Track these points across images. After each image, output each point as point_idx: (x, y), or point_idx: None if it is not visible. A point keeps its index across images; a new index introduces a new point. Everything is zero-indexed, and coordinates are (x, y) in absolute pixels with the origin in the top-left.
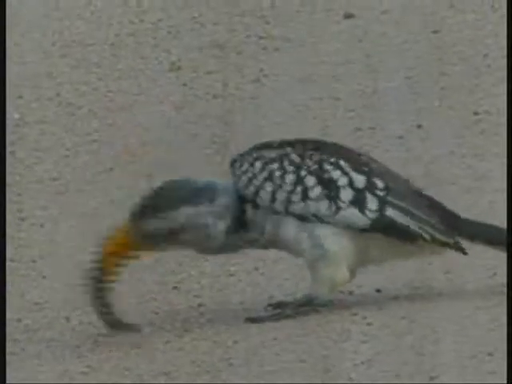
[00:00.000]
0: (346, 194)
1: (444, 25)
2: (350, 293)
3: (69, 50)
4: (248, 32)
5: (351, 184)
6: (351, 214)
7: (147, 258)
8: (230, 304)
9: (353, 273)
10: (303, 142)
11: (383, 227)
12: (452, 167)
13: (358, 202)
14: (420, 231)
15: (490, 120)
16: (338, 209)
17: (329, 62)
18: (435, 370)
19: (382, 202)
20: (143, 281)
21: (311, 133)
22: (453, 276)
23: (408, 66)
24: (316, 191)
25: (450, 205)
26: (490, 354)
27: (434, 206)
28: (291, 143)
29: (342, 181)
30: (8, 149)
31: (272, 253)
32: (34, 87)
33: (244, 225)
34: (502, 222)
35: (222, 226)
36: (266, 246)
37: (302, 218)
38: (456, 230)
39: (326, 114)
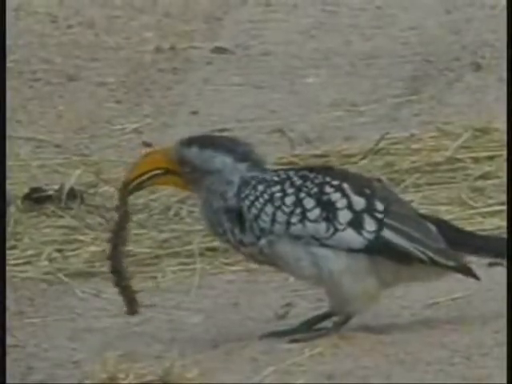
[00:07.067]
0: (344, 216)
1: None
2: None
3: None
4: None
5: (350, 206)
6: (348, 234)
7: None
8: None
9: (376, 296)
10: (310, 168)
11: (380, 248)
12: None
13: (356, 223)
14: (418, 253)
15: None
16: (336, 230)
17: None
18: None
19: (380, 224)
20: None
21: None
22: None
23: None
24: (315, 213)
25: None
26: None
27: (441, 229)
28: (298, 169)
29: (341, 203)
30: None
31: None
32: None
33: (241, 227)
34: None
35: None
36: (261, 262)
37: (299, 238)
38: (464, 248)
39: None
